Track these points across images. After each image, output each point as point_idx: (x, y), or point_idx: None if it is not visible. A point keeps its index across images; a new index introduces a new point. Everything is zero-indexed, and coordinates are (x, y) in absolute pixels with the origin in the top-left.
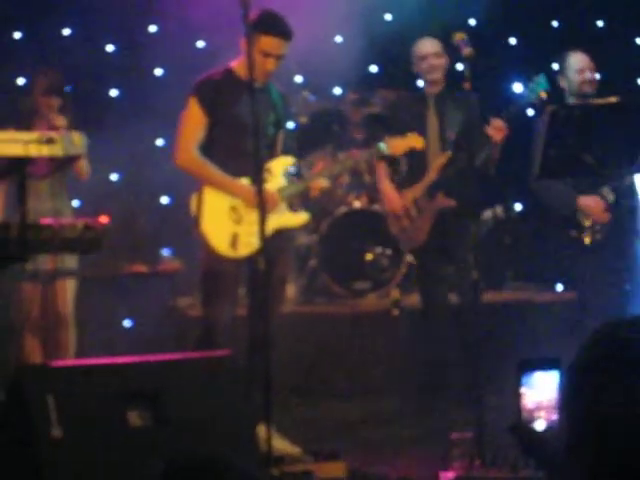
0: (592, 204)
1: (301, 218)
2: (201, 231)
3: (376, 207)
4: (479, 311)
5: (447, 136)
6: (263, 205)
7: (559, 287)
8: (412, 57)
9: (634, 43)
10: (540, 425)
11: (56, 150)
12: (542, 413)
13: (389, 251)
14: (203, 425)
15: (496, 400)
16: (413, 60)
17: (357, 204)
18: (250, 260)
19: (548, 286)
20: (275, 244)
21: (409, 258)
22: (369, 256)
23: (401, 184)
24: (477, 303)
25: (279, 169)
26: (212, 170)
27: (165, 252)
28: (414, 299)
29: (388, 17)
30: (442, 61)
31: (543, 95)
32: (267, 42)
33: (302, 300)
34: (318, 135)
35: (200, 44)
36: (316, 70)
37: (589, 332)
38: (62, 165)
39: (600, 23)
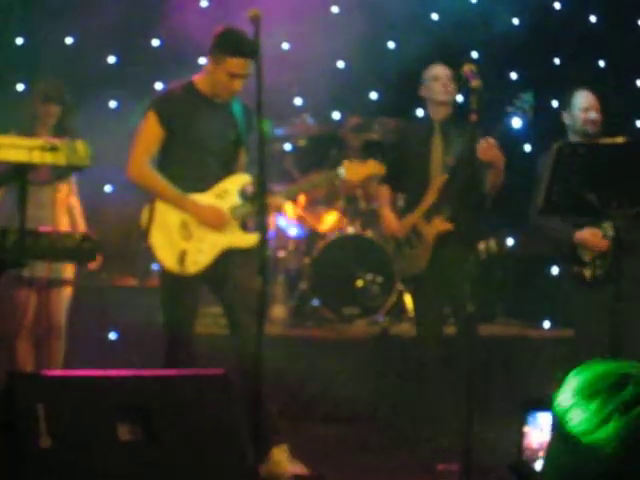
0: (589, 236)
1: (251, 239)
2: (150, 245)
3: (369, 233)
4: (475, 344)
5: (447, 161)
6: (263, 222)
7: (546, 324)
8: (423, 79)
9: (634, 85)
10: (541, 465)
11: (59, 158)
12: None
13: (380, 278)
14: (194, 442)
15: (484, 432)
16: (424, 82)
17: (350, 229)
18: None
19: (537, 322)
20: (229, 260)
21: (400, 286)
22: (360, 282)
23: (404, 209)
24: (473, 336)
25: (235, 187)
26: (163, 185)
27: (156, 267)
28: (403, 327)
29: (391, 45)
30: (453, 86)
31: (530, 112)
32: (234, 63)
33: (292, 323)
34: (316, 158)
35: (202, 60)
36: (316, 93)
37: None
38: (64, 173)
39: (602, 63)
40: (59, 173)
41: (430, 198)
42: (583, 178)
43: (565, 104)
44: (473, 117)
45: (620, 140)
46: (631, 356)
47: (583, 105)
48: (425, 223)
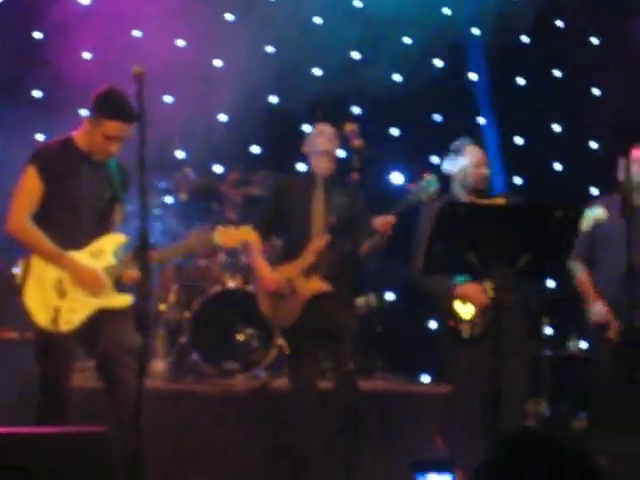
0: (470, 291)
1: (125, 300)
2: (24, 301)
3: (250, 288)
4: (356, 399)
5: (329, 220)
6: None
7: (425, 379)
8: (306, 136)
9: (513, 142)
10: None
11: None
12: None
13: (260, 333)
14: None
15: None
16: (307, 138)
17: (231, 284)
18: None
19: (416, 377)
20: (103, 318)
21: (280, 341)
22: (240, 337)
23: (278, 261)
24: (355, 392)
25: (110, 247)
26: (42, 241)
27: None
28: (283, 382)
29: (273, 99)
30: (336, 143)
31: (434, 195)
32: (111, 126)
33: (171, 377)
34: (197, 212)
35: (83, 112)
36: (198, 147)
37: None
38: None
39: (481, 120)
40: None
41: (310, 257)
42: (463, 238)
43: (452, 159)
44: (355, 176)
45: (500, 201)
46: (508, 409)
47: (475, 160)
48: (302, 279)
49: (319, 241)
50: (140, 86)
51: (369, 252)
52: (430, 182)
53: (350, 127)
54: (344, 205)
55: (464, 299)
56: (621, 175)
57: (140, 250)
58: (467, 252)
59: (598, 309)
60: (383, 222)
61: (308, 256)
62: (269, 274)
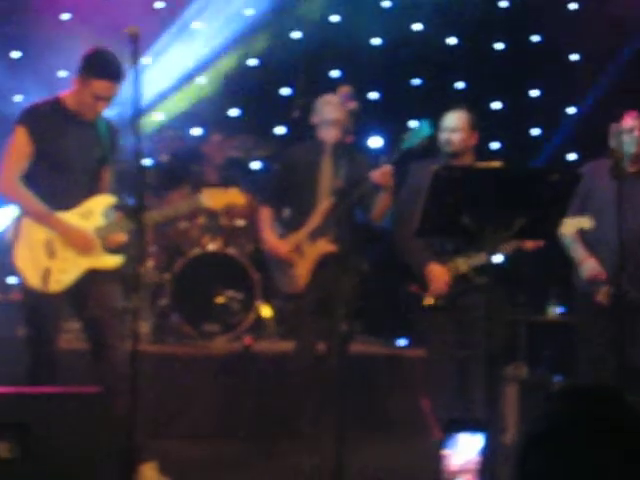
0: (436, 273)
1: (114, 260)
2: (14, 261)
3: (230, 250)
4: (347, 362)
5: (335, 184)
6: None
7: (401, 342)
8: (314, 108)
9: (491, 106)
10: None
11: None
12: (465, 476)
13: (240, 295)
14: (71, 460)
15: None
16: (314, 109)
17: (212, 246)
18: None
19: (391, 341)
20: (92, 280)
21: (261, 305)
22: (220, 299)
23: (287, 227)
24: (344, 354)
25: (99, 208)
26: (32, 201)
27: (11, 281)
28: (264, 345)
29: (253, 62)
30: (343, 112)
31: (425, 142)
32: (99, 85)
33: (152, 339)
34: (176, 174)
35: (61, 73)
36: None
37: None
38: None
39: (461, 85)
40: None
41: (316, 220)
42: (458, 201)
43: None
44: (349, 138)
45: (496, 164)
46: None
47: (448, 126)
48: (309, 243)
49: (324, 204)
50: (136, 46)
51: (381, 215)
52: (422, 127)
53: (343, 89)
54: (351, 170)
55: (428, 277)
56: (613, 142)
57: (135, 211)
58: (462, 215)
59: (592, 265)
60: (381, 173)
61: (314, 219)
62: (277, 242)
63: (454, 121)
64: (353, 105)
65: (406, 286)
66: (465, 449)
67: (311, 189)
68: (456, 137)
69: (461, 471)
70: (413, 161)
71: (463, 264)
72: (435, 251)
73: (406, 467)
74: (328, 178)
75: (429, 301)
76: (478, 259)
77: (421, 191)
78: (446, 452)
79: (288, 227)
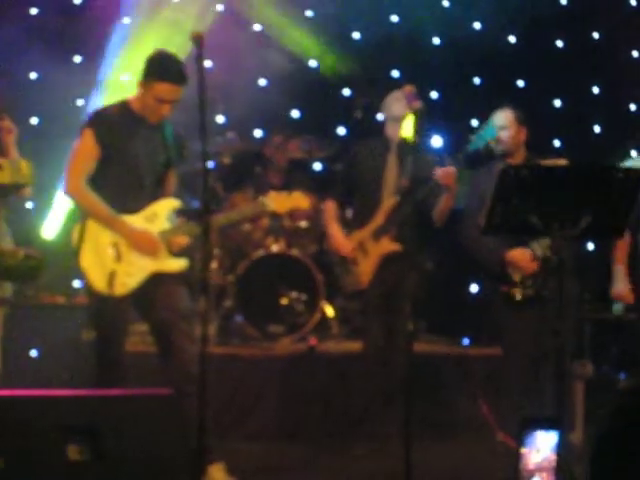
0: (519, 255)
1: (179, 264)
2: (80, 265)
3: (294, 251)
4: (412, 362)
5: (401, 182)
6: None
7: (465, 341)
8: (385, 101)
9: (552, 104)
10: None
11: (3, 177)
12: (542, 474)
13: (304, 296)
14: (141, 462)
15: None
16: (384, 104)
17: (275, 248)
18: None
19: (456, 340)
20: (157, 283)
21: (325, 305)
22: (284, 300)
23: (351, 225)
24: (410, 354)
25: (164, 212)
26: (98, 204)
27: (78, 285)
28: (329, 345)
29: (313, 63)
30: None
31: (492, 143)
32: (162, 89)
33: (217, 341)
34: (239, 176)
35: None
36: (239, 111)
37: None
38: (6, 192)
39: (521, 83)
40: (2, 192)
41: (380, 218)
42: (525, 199)
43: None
44: (414, 137)
45: (562, 162)
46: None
47: (498, 124)
48: (373, 241)
49: (389, 202)
50: (200, 50)
51: (442, 216)
52: (489, 129)
53: (408, 89)
54: (416, 169)
55: (512, 263)
56: None
57: (203, 214)
58: (529, 213)
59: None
60: (444, 173)
61: (378, 218)
62: (342, 239)
63: (500, 119)
64: (418, 104)
65: (495, 287)
66: (541, 447)
67: (376, 187)
68: (505, 135)
69: (538, 469)
70: (477, 164)
71: (538, 248)
72: (508, 244)
73: (473, 467)
74: (393, 176)
75: (519, 295)
76: (546, 241)
77: (487, 193)
78: (524, 450)
79: (351, 226)
